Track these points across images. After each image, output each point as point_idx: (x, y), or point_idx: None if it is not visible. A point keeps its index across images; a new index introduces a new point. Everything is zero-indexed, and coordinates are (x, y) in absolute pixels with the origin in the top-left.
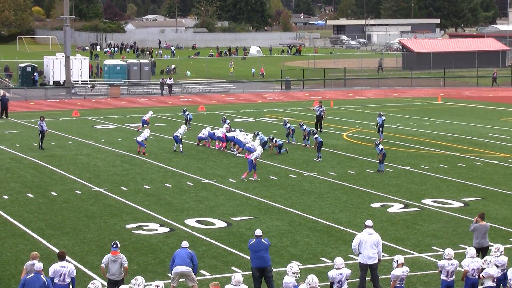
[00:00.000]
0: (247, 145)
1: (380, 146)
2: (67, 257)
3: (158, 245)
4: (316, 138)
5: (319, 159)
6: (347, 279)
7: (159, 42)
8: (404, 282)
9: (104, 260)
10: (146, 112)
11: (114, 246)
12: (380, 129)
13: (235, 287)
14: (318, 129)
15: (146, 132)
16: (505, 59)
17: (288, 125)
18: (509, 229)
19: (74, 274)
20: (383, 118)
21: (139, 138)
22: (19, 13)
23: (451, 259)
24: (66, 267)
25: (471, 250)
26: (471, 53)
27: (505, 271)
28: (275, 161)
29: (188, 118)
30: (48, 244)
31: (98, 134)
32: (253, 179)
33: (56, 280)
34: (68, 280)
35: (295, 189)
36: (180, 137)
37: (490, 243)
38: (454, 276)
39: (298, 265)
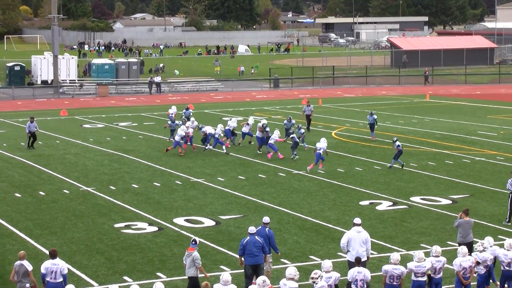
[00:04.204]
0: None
1: (398, 143)
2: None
3: (147, 244)
4: (293, 137)
5: (296, 157)
6: (335, 284)
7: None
8: (400, 281)
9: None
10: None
11: (193, 242)
12: (372, 128)
13: (224, 286)
14: (307, 128)
15: (181, 130)
16: (493, 57)
17: (302, 130)
18: (497, 226)
19: (65, 271)
20: (375, 117)
21: (177, 138)
22: (7, 12)
23: (438, 256)
24: (57, 265)
25: (462, 249)
26: (459, 50)
27: (487, 268)
28: (264, 160)
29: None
30: (36, 244)
31: (86, 133)
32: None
33: (48, 278)
34: (60, 278)
35: (284, 187)
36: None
37: (475, 239)
38: (441, 273)
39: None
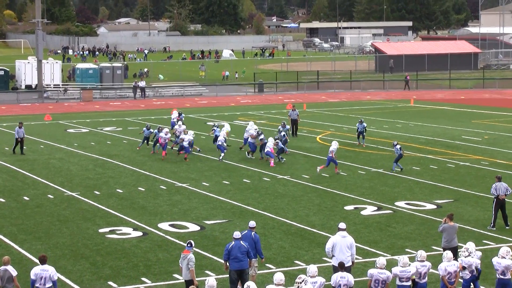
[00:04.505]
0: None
1: (398, 146)
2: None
3: (131, 249)
4: (278, 143)
5: (283, 159)
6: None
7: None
8: (385, 286)
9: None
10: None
11: (188, 245)
12: (361, 135)
13: None
14: (294, 133)
15: (190, 135)
16: (477, 62)
17: (282, 133)
18: (481, 231)
19: (55, 278)
20: (364, 125)
21: (185, 143)
22: None
23: (423, 261)
24: (47, 271)
25: (447, 254)
26: (443, 55)
27: (473, 272)
28: (249, 164)
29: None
30: (20, 249)
31: (70, 138)
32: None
33: (37, 284)
34: (49, 283)
35: (269, 192)
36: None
37: (460, 244)
38: (426, 278)
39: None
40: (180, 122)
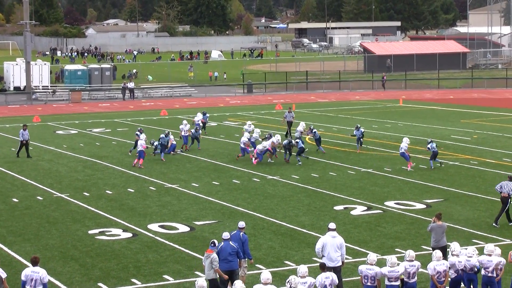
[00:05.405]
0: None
1: (434, 144)
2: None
3: (121, 251)
4: (297, 143)
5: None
6: None
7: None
8: (375, 281)
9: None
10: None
11: (212, 244)
12: (359, 141)
13: None
14: (288, 134)
15: (244, 137)
16: (466, 61)
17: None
18: (471, 230)
19: (46, 280)
20: (362, 130)
21: (242, 145)
22: None
23: (412, 261)
24: (38, 273)
25: (436, 253)
26: (432, 55)
27: (458, 272)
28: (238, 165)
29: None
30: (9, 251)
31: (59, 139)
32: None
33: (27, 286)
34: (40, 286)
35: (258, 192)
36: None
37: (448, 243)
38: (416, 278)
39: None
40: (185, 121)
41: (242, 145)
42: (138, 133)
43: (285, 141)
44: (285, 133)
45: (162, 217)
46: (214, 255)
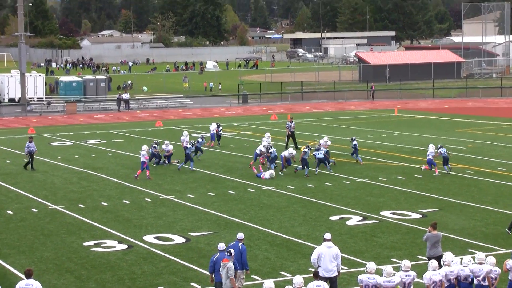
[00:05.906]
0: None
1: (444, 149)
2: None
3: (117, 262)
4: (315, 154)
5: (316, 172)
6: None
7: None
8: None
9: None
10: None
11: (228, 254)
12: (354, 154)
13: None
14: (294, 145)
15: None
16: (460, 71)
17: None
18: (466, 240)
19: None
20: (355, 143)
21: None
22: None
23: (408, 271)
24: (32, 285)
25: (432, 263)
26: (426, 65)
27: (451, 282)
28: (234, 176)
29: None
30: (4, 264)
31: (54, 151)
32: None
33: None
34: None
35: (254, 203)
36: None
37: (443, 252)
38: None
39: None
40: (186, 132)
41: (257, 151)
42: (155, 145)
43: (305, 155)
44: (285, 144)
45: (157, 228)
46: (230, 264)
